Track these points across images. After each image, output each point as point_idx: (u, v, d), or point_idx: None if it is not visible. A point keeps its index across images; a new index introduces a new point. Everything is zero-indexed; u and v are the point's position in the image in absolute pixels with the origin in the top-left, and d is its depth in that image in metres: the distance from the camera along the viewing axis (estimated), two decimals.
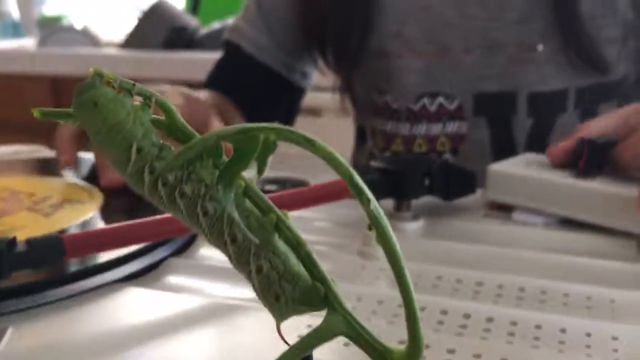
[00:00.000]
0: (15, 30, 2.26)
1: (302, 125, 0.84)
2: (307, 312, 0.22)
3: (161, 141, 0.23)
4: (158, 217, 0.37)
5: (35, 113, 0.24)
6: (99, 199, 0.50)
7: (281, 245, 0.23)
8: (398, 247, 0.20)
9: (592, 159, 0.47)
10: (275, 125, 0.19)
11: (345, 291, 0.37)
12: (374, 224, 0.19)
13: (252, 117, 0.77)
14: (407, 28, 0.69)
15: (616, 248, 0.44)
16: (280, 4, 0.76)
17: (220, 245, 0.23)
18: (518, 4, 0.66)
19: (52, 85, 1.91)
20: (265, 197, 0.23)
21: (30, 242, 0.34)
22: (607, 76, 0.67)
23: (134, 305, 0.36)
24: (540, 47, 0.66)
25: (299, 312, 0.22)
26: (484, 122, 0.69)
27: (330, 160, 0.19)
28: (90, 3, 2.22)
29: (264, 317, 0.24)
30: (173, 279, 0.39)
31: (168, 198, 0.23)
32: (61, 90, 1.90)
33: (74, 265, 0.38)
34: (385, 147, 0.72)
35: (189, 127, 0.23)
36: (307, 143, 0.18)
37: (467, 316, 0.34)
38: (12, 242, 0.33)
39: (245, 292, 0.37)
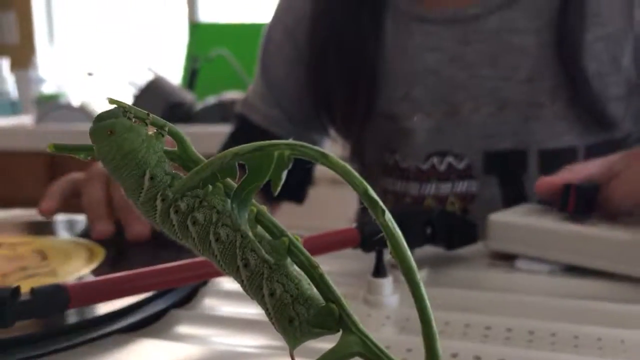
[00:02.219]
0: (14, 108, 2.30)
1: None
2: (321, 335, 0.22)
3: (173, 171, 0.24)
4: (162, 266, 0.37)
5: (50, 147, 0.24)
6: (101, 255, 0.50)
7: (294, 269, 0.23)
8: (412, 259, 0.20)
9: (580, 204, 0.48)
10: (290, 141, 0.20)
11: None
12: (388, 235, 0.20)
13: (265, 188, 0.77)
14: (415, 91, 0.70)
15: (622, 292, 0.44)
16: (286, 77, 0.78)
17: (233, 271, 0.23)
18: (527, 64, 0.67)
19: (49, 161, 1.93)
20: (277, 221, 0.23)
21: (35, 292, 0.34)
22: (614, 133, 0.68)
23: (139, 355, 0.35)
24: (548, 105, 0.67)
25: (313, 335, 0.22)
26: (495, 181, 0.69)
27: (346, 174, 0.19)
28: (88, 81, 2.26)
29: None
30: (177, 329, 0.39)
31: (180, 226, 0.23)
32: (57, 166, 1.91)
33: (76, 316, 0.38)
34: None
35: (201, 157, 0.24)
36: (323, 158, 0.19)
37: (477, 358, 0.34)
38: (16, 291, 0.33)
39: (251, 340, 0.37)
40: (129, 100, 2.05)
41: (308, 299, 0.22)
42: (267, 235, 0.23)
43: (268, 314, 0.23)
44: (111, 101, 0.23)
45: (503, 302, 0.42)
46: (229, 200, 0.23)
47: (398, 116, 0.70)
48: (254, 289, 0.23)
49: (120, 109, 0.23)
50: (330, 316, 0.22)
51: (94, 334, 0.36)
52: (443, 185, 0.69)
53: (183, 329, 0.39)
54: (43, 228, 0.60)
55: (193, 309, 0.42)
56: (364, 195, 0.19)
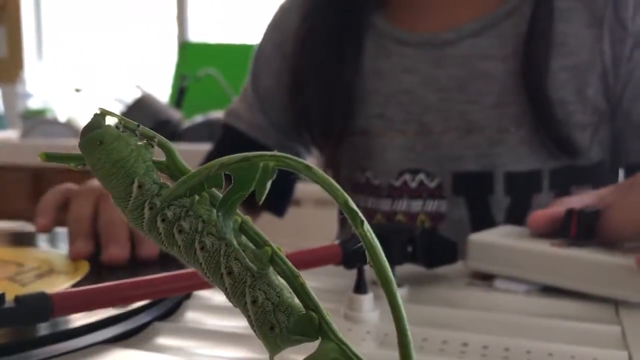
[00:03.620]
0: (0, 122, 2.29)
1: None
2: (301, 342, 0.23)
3: (161, 180, 0.24)
4: (146, 277, 0.38)
5: (41, 156, 0.25)
6: (84, 269, 0.50)
7: (276, 278, 0.23)
8: (389, 269, 0.21)
9: (582, 229, 0.48)
10: (274, 152, 0.20)
11: None
12: (367, 245, 0.20)
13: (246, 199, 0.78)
14: (389, 109, 0.72)
15: (596, 312, 0.45)
16: (275, 87, 0.81)
17: (217, 278, 0.24)
18: (494, 90, 0.70)
19: (34, 176, 1.92)
20: (261, 231, 0.24)
21: (19, 299, 0.34)
22: (578, 160, 0.70)
23: None
24: (513, 131, 0.69)
25: (293, 342, 0.23)
26: (463, 202, 0.71)
27: (327, 185, 0.20)
28: (76, 97, 2.26)
29: None
30: (159, 341, 0.39)
31: (166, 234, 0.24)
32: (43, 180, 1.90)
33: (59, 326, 0.38)
34: None
35: (189, 168, 0.24)
36: (305, 169, 0.20)
37: None
38: (1, 297, 0.33)
39: (233, 352, 0.37)
40: None
41: (289, 307, 0.23)
42: (250, 244, 0.24)
43: (250, 321, 0.23)
44: (102, 112, 0.24)
45: (480, 319, 0.43)
46: (214, 210, 0.24)
47: (372, 133, 0.73)
48: (237, 297, 0.23)
49: (106, 118, 0.23)
50: (309, 324, 0.22)
51: (75, 345, 0.37)
52: (414, 202, 0.71)
53: (165, 340, 0.39)
54: (29, 240, 0.60)
55: (175, 322, 0.42)
56: (344, 205, 0.20)
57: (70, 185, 0.59)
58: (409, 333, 0.20)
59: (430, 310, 0.45)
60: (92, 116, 0.23)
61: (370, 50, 0.75)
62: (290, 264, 0.23)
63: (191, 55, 2.22)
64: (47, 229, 0.57)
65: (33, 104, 2.36)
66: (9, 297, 0.40)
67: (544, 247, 0.49)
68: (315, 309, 0.23)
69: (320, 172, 0.20)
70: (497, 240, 0.51)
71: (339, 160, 0.77)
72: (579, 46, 0.69)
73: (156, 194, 0.24)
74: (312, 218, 1.52)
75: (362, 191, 0.75)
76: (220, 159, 0.21)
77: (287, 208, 0.86)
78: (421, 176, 0.71)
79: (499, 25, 0.71)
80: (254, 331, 0.23)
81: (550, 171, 0.70)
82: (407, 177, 0.71)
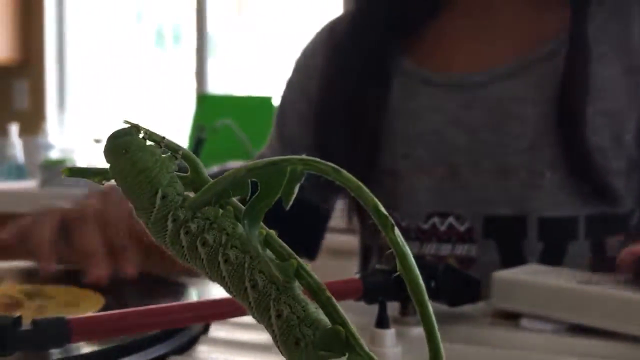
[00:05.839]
0: (19, 172, 2.32)
1: None
2: (327, 359, 0.22)
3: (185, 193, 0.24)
4: (165, 305, 0.37)
5: (64, 171, 0.25)
6: (99, 303, 0.49)
7: (300, 293, 0.23)
8: (419, 276, 0.20)
9: None
10: (303, 156, 0.20)
11: None
12: (397, 252, 0.20)
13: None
14: (417, 150, 0.71)
15: (627, 351, 0.44)
16: (299, 132, 0.79)
17: (240, 292, 0.23)
18: (528, 132, 0.68)
19: None
20: (285, 245, 0.23)
21: (36, 323, 0.33)
22: (615, 207, 0.68)
23: None
24: (548, 174, 0.68)
25: (319, 358, 0.22)
26: (494, 245, 0.69)
27: (356, 190, 0.19)
28: (95, 148, 2.29)
29: None
30: None
31: (189, 247, 0.23)
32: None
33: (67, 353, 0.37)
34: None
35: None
36: (335, 173, 0.19)
37: None
38: (17, 320, 0.33)
39: None
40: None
41: (315, 321, 0.22)
42: (275, 258, 0.23)
43: (274, 336, 0.22)
44: (126, 122, 0.24)
45: (506, 357, 0.42)
46: (238, 224, 0.23)
47: (399, 174, 0.71)
48: (261, 311, 0.22)
49: (135, 129, 0.23)
50: (337, 338, 0.21)
51: None
52: (443, 246, 0.69)
53: None
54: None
55: (191, 357, 0.41)
56: (374, 210, 0.20)
57: (58, 209, 0.58)
58: (439, 338, 0.19)
59: (454, 348, 0.43)
60: (119, 126, 0.23)
61: (398, 92, 0.73)
62: (315, 277, 0.23)
63: (209, 107, 2.24)
64: (52, 270, 0.56)
65: (54, 154, 2.39)
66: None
67: (573, 284, 0.47)
68: (343, 323, 0.22)
69: (350, 175, 0.19)
70: (524, 277, 0.50)
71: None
72: (615, 92, 0.68)
73: (180, 206, 0.23)
74: (330, 269, 1.50)
75: None
76: (247, 164, 0.21)
77: (319, 250, 0.84)
78: (450, 219, 0.69)
79: (532, 69, 0.69)
80: (278, 347, 0.22)
81: (586, 218, 0.68)
82: (436, 219, 0.70)
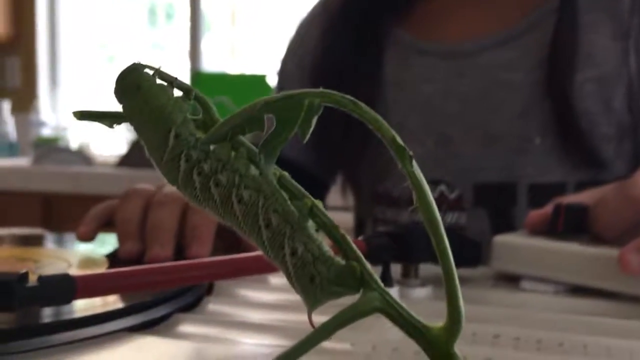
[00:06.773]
0: (12, 149, 2.31)
1: None
2: (341, 296, 0.22)
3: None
4: (172, 263, 0.37)
5: (75, 115, 0.25)
6: (104, 265, 0.50)
7: (314, 233, 0.23)
8: (436, 209, 0.20)
9: (569, 223, 0.48)
10: (320, 90, 0.20)
11: (359, 340, 0.36)
12: (414, 184, 0.20)
13: None
14: (410, 119, 0.72)
15: (629, 310, 0.44)
16: None
17: (254, 232, 0.23)
18: (517, 99, 0.69)
19: (44, 202, 1.92)
20: (299, 185, 0.23)
21: (42, 279, 0.33)
22: (604, 172, 0.69)
23: (146, 353, 0.34)
24: (538, 140, 0.68)
25: (334, 294, 0.22)
26: (485, 213, 0.70)
27: (374, 122, 0.19)
28: (88, 125, 2.28)
29: None
30: (183, 329, 0.38)
31: (202, 187, 0.23)
32: (53, 206, 1.90)
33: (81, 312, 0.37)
34: None
35: None
36: (353, 105, 0.19)
37: (488, 359, 0.33)
38: (24, 276, 0.33)
39: (258, 340, 0.36)
40: (126, 144, 2.06)
41: (329, 258, 0.22)
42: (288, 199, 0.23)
43: (288, 274, 0.22)
44: (137, 63, 0.23)
45: (510, 315, 0.42)
46: (251, 165, 0.23)
47: None
48: (275, 249, 0.23)
49: (140, 64, 0.23)
50: (351, 275, 0.22)
51: (95, 331, 0.36)
52: None
53: (188, 329, 0.38)
54: (41, 242, 0.60)
55: (198, 314, 0.41)
56: (391, 141, 0.20)
57: (115, 201, 0.57)
58: (459, 287, 0.20)
59: None
60: (127, 65, 0.23)
61: (391, 62, 0.74)
62: (329, 216, 0.23)
63: (203, 85, 2.23)
64: (87, 238, 0.55)
65: (46, 132, 2.38)
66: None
67: (573, 246, 0.48)
68: (357, 259, 0.22)
69: (367, 108, 0.19)
70: (523, 240, 0.50)
71: (358, 174, 0.77)
72: (605, 58, 0.68)
73: (193, 146, 0.23)
74: None
75: (381, 202, 0.74)
76: (263, 98, 0.21)
77: None
78: (441, 187, 0.70)
79: (522, 37, 0.70)
80: (292, 285, 0.23)
81: (576, 183, 0.69)
82: None
